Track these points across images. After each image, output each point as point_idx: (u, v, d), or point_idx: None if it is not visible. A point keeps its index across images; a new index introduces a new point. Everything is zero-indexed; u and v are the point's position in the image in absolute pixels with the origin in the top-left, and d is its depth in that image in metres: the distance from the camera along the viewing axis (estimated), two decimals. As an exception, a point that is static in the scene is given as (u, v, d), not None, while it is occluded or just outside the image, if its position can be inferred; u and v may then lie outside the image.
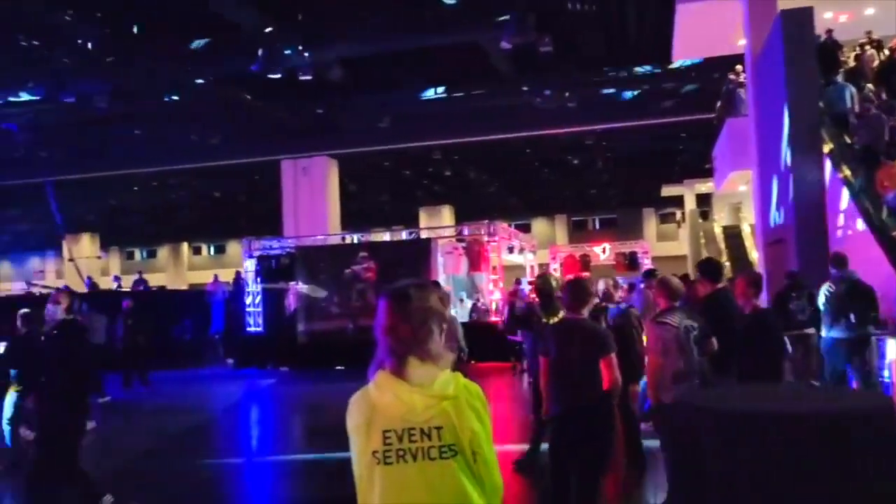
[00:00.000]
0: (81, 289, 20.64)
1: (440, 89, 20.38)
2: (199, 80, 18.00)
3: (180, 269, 42.83)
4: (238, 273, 22.16)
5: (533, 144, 24.74)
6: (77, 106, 19.24)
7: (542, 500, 5.52)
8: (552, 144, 24.65)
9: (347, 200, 26.24)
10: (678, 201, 31.29)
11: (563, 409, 4.62)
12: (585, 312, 4.83)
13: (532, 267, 20.38)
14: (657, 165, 27.66)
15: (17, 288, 30.00)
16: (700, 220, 25.63)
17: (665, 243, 37.02)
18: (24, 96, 18.92)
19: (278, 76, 16.94)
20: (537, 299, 7.86)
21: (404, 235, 19.97)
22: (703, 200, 27.13)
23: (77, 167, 23.61)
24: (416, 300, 2.11)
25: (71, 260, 25.51)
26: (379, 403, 2.06)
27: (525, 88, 19.93)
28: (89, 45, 16.51)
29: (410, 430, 2.02)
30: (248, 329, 17.90)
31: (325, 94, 19.52)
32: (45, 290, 21.98)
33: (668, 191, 29.69)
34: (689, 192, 27.97)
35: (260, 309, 17.85)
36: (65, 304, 5.68)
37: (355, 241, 18.95)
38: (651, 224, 40.15)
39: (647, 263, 23.68)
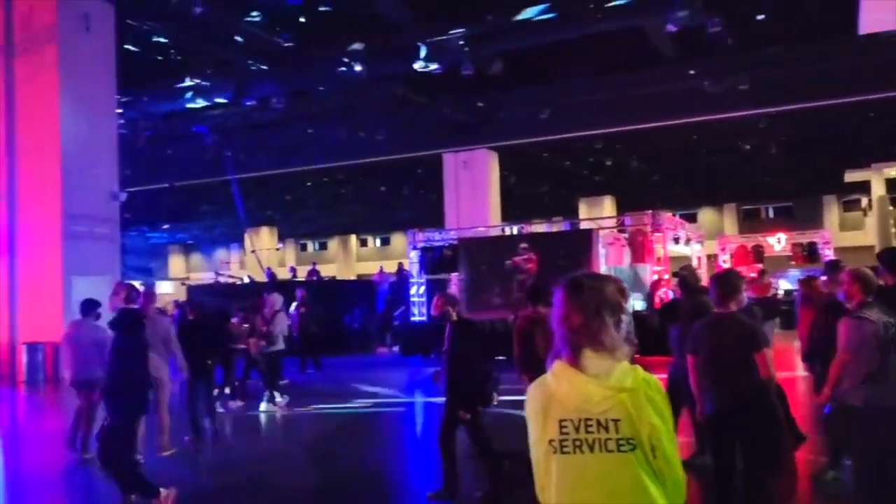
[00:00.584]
0: (262, 278, 22.19)
1: (601, 77, 20.02)
2: (364, 79, 18.78)
3: (349, 260, 44.94)
4: (401, 264, 22.96)
5: (700, 130, 23.68)
6: (257, 108, 20.74)
7: (706, 500, 5.33)
8: (721, 130, 23.47)
9: (507, 192, 26.41)
10: (864, 187, 28.84)
11: (719, 407, 4.46)
12: (734, 306, 4.62)
13: (699, 258, 19.58)
14: (839, 149, 25.61)
15: (207, 277, 32.71)
16: (890, 208, 23.49)
17: (849, 233, 34.32)
18: (209, 101, 20.59)
19: (440, 72, 17.37)
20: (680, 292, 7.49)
21: (564, 226, 19.84)
22: (894, 186, 24.83)
23: (257, 165, 25.40)
24: (589, 291, 2.10)
25: (253, 251, 27.51)
26: (555, 392, 2.08)
27: (692, 72, 19.13)
28: (266, 51, 17.74)
29: (587, 420, 2.02)
30: (413, 318, 18.50)
31: (486, 87, 19.74)
32: (230, 279, 23.89)
33: (852, 176, 27.43)
34: (877, 176, 25.71)
35: (424, 298, 18.39)
36: (123, 295, 6.00)
37: (515, 232, 19.06)
38: (832, 212, 37.34)
39: (827, 254, 22.04)
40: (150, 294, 8.61)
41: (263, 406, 10.89)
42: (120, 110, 18.85)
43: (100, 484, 7.16)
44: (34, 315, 16.36)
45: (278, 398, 11.09)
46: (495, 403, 6.20)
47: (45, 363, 16.00)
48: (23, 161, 16.60)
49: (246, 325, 11.96)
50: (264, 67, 18.46)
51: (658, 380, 2.09)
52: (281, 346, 11.29)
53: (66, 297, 16.25)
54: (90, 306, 8.02)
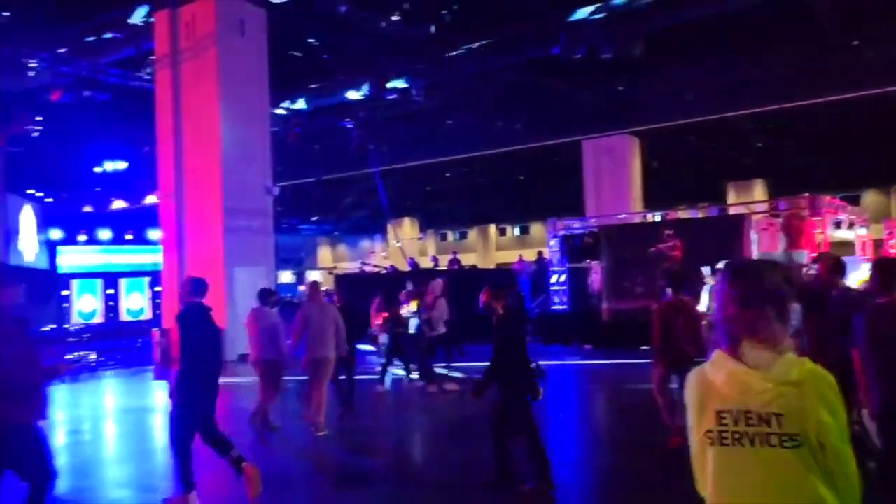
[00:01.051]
0: (405, 268, 22.78)
1: (749, 53, 18.96)
2: (502, 68, 18.82)
3: (488, 249, 45.23)
4: (540, 253, 22.86)
5: (863, 106, 21.94)
6: (398, 101, 21.29)
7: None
8: (888, 105, 21.62)
9: (649, 178, 25.65)
10: None
11: (892, 401, 4.15)
12: None
13: (864, 243, 18.18)
14: None
15: (352, 267, 33.99)
16: None
17: None
18: (354, 96, 21.34)
19: (579, 57, 17.11)
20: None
21: (711, 212, 19.02)
22: None
23: (399, 158, 26.09)
24: (748, 279, 2.02)
25: (396, 242, 28.32)
26: (714, 383, 2.02)
27: (854, 43, 17.75)
28: (406, 45, 18.16)
29: (746, 412, 1.94)
30: (554, 307, 18.39)
31: (626, 71, 19.24)
32: (374, 269, 24.71)
33: None
34: None
35: (565, 287, 18.23)
36: (188, 288, 6.21)
37: (658, 219, 18.50)
38: None
39: None
40: (315, 284, 9.48)
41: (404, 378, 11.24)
42: (279, 110, 19.93)
43: (276, 455, 7.69)
44: (200, 303, 17.64)
45: (448, 383, 11.35)
46: (540, 398, 6.12)
47: (210, 347, 17.23)
48: (188, 162, 17.91)
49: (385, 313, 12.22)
50: (403, 61, 18.93)
51: (828, 374, 1.96)
52: (442, 330, 11.55)
53: (227, 287, 17.44)
54: (267, 295, 8.85)
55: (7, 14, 15.26)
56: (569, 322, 17.91)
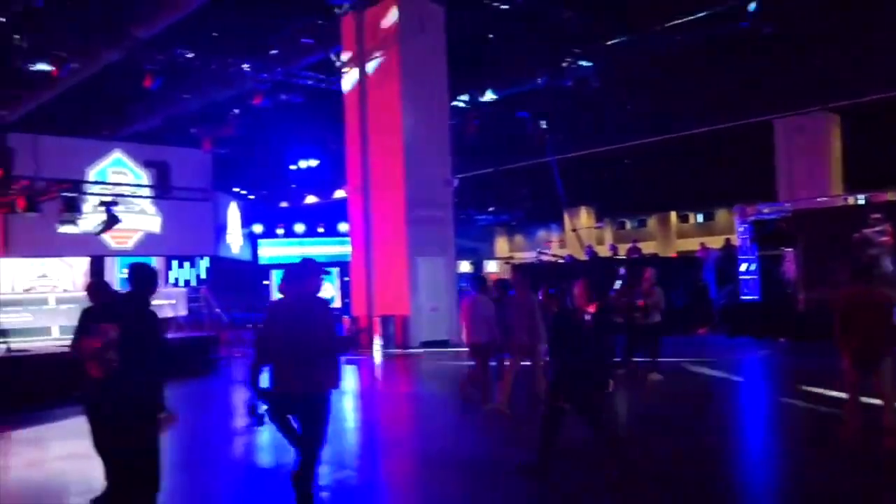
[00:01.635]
0: (583, 257, 22.57)
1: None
2: (682, 47, 18.07)
3: (669, 237, 43.65)
4: (728, 240, 21.75)
5: None
6: (575, 89, 21.07)
7: None
8: None
9: (850, 157, 23.56)
10: None
11: None
12: None
13: None
14: None
15: (529, 256, 34.13)
16: None
17: None
18: (527, 86, 21.38)
19: (770, 31, 16.08)
20: None
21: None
22: None
23: (576, 145, 25.80)
24: None
25: (574, 231, 28.09)
26: None
27: None
28: (580, 32, 17.93)
29: None
30: (743, 297, 17.48)
31: (823, 42, 17.80)
32: (552, 258, 24.68)
33: None
34: None
35: (755, 276, 17.26)
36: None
37: (861, 201, 16.99)
38: None
39: None
40: (503, 278, 10.04)
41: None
42: (457, 102, 20.39)
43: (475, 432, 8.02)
44: (386, 292, 18.54)
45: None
46: (609, 390, 6.17)
47: (396, 333, 18.08)
48: (374, 157, 18.83)
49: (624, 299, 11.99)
50: (578, 49, 18.70)
51: None
52: (657, 318, 11.31)
53: (410, 276, 18.18)
54: (482, 283, 9.78)
55: (213, 30, 16.78)
56: (760, 313, 16.94)
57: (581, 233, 27.85)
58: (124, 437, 4.70)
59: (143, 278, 5.04)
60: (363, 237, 19.16)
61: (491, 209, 41.04)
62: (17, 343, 12.92)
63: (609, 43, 18.63)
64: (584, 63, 19.75)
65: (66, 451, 8.02)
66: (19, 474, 7.41)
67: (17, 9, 12.68)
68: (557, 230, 43.12)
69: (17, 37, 13.13)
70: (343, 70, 19.20)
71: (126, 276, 5.23)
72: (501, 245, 49.58)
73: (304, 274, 5.30)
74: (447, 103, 19.05)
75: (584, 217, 37.79)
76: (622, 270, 12.79)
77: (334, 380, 5.25)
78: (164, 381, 6.00)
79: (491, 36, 18.83)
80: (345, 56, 19.03)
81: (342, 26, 18.80)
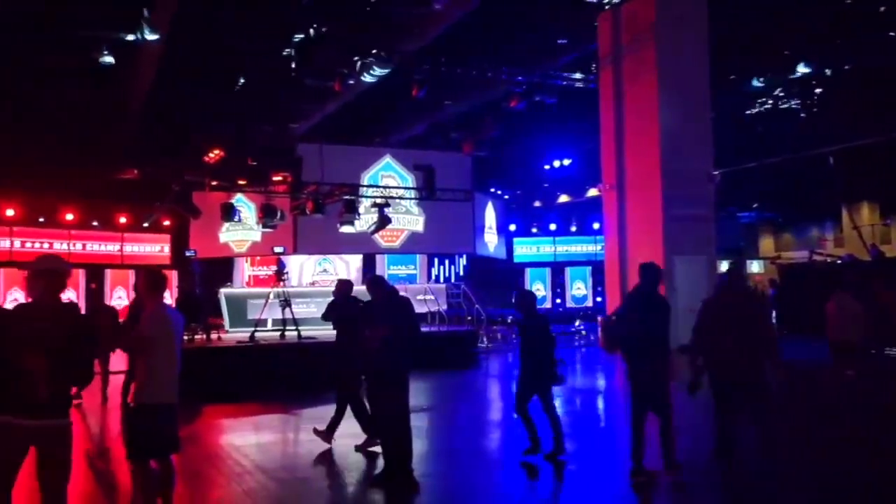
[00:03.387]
0: (865, 257, 20.34)
1: None
2: None
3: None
4: None
5: None
6: (850, 76, 19.00)
7: None
8: None
9: None
10: None
11: None
12: None
13: None
14: None
15: (799, 256, 31.45)
16: None
17: None
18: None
19: None
20: None
21: None
22: None
23: (854, 135, 23.23)
24: None
25: (854, 228, 25.36)
26: None
27: None
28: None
29: None
30: None
31: None
32: (827, 258, 22.51)
33: None
34: None
35: None
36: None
37: None
38: None
39: None
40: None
41: None
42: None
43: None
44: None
45: None
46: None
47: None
48: (629, 153, 18.50)
49: None
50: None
51: None
52: None
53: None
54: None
55: (472, 38, 17.53)
56: None
57: (863, 230, 25.02)
58: (384, 390, 6.49)
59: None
60: (617, 235, 18.90)
61: (755, 206, 38.39)
62: (305, 331, 14.55)
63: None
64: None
65: (350, 430, 8.89)
66: (310, 448, 8.36)
67: (308, 32, 14.25)
68: (832, 228, 39.22)
69: (299, 59, 14.77)
70: (598, 67, 19.09)
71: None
72: (766, 244, 46.15)
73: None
74: (708, 95, 18.14)
75: (867, 213, 33.88)
76: None
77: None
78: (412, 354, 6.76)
79: (750, 25, 17.61)
80: (600, 53, 18.92)
81: (598, 23, 18.70)
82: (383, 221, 17.53)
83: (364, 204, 18.42)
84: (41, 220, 22.25)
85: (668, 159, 17.43)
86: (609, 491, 6.45)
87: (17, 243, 21.86)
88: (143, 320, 5.19)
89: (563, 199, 27.57)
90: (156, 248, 24.61)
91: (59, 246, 22.34)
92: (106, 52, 14.12)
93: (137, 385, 5.14)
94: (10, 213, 21.36)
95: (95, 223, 23.46)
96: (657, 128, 17.51)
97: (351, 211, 17.11)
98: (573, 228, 29.21)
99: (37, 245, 22.05)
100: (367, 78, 15.76)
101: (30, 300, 4.32)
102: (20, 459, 4.05)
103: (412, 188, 20.03)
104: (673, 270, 17.55)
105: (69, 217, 22.66)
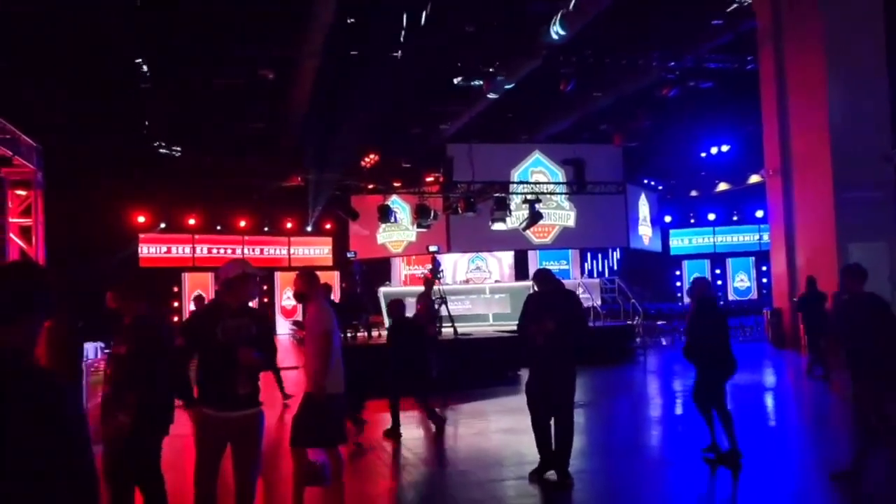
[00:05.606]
0: None
1: None
2: None
3: None
4: None
5: None
6: None
7: None
8: None
9: None
10: None
11: None
12: None
13: None
14: None
15: None
16: None
17: None
18: None
19: None
20: None
21: None
22: None
23: None
24: None
25: None
26: None
27: None
28: None
29: None
30: None
31: None
32: None
33: None
34: None
35: None
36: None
37: None
38: None
39: None
40: None
41: None
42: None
43: None
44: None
45: None
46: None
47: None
48: (795, 136, 17.42)
49: None
50: None
51: None
52: None
53: (839, 264, 16.38)
54: None
55: (620, 27, 17.14)
56: None
57: None
58: (553, 381, 6.44)
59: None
60: (784, 223, 17.84)
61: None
62: (461, 327, 14.86)
63: None
64: None
65: (506, 425, 9.01)
66: (469, 442, 8.56)
67: (452, 33, 14.56)
68: None
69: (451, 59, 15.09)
70: (757, 48, 18.10)
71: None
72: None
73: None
74: (884, 69, 16.71)
75: None
76: None
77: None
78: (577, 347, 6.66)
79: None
80: (759, 31, 17.93)
81: (755, 1, 17.73)
82: (534, 217, 17.56)
83: (515, 201, 18.52)
84: (218, 227, 24.07)
85: (839, 140, 16.27)
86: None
87: (201, 249, 23.79)
88: (311, 315, 5.45)
89: (722, 187, 26.31)
90: (320, 251, 25.98)
91: (237, 251, 24.09)
92: (267, 70, 15.13)
93: (313, 376, 5.33)
94: (191, 221, 23.29)
95: (266, 228, 25.08)
96: (825, 107, 16.39)
97: (502, 208, 17.27)
98: (734, 218, 27.84)
99: (214, 251, 23.91)
100: (512, 76, 15.84)
101: (222, 301, 4.62)
102: (224, 447, 4.42)
103: (562, 182, 19.90)
104: (847, 259, 16.34)
105: (242, 224, 24.38)
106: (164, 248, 23.14)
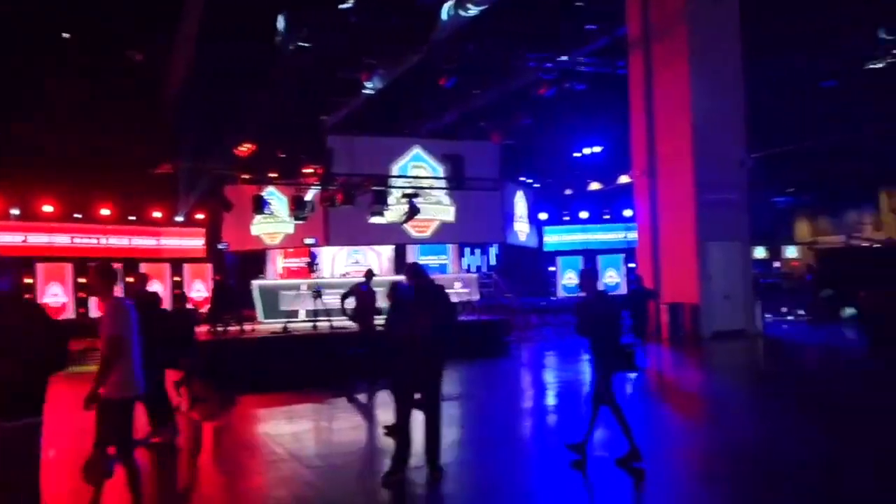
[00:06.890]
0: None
1: None
2: None
3: None
4: None
5: None
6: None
7: None
8: None
9: None
10: None
11: None
12: None
13: None
14: None
15: (835, 241, 30.89)
16: None
17: None
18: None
19: None
20: None
21: None
22: None
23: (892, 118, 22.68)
24: None
25: (893, 211, 24.85)
26: None
27: None
28: None
29: None
30: None
31: None
32: (864, 243, 22.07)
33: None
34: None
35: None
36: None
37: None
38: None
39: None
40: None
41: None
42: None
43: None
44: (674, 278, 17.95)
45: None
46: None
47: (684, 321, 17.46)
48: (660, 139, 18.31)
49: None
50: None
51: None
52: None
53: (700, 262, 17.41)
54: None
55: (499, 25, 17.44)
56: None
57: (903, 214, 24.49)
58: (426, 376, 6.43)
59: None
60: (649, 222, 18.73)
61: (790, 190, 37.77)
62: (336, 322, 14.66)
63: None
64: None
65: (384, 419, 8.97)
66: (342, 437, 8.43)
67: (335, 26, 14.31)
68: (871, 211, 38.47)
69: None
70: (627, 53, 18.89)
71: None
72: (801, 229, 45.38)
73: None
74: (742, 79, 17.87)
75: (906, 196, 33.11)
76: None
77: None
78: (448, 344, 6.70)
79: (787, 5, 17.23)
80: (629, 38, 18.72)
81: (627, 8, 18.50)
82: (413, 212, 17.55)
83: (394, 195, 18.46)
84: (77, 216, 22.59)
85: (701, 143, 17.25)
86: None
87: (61, 239, 22.22)
88: (107, 317, 5.00)
89: (594, 186, 27.32)
90: (190, 242, 24.92)
91: (91, 240, 22.67)
92: (138, 51, 14.34)
93: (109, 380, 4.97)
94: (47, 209, 21.75)
95: (132, 217, 23.76)
96: (689, 112, 17.33)
97: (381, 202, 17.17)
98: (605, 216, 28.99)
99: (76, 240, 22.43)
100: (393, 69, 15.77)
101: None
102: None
103: (442, 178, 20.02)
104: (706, 256, 17.40)
105: (105, 212, 23.00)
106: (20, 238, 21.49)
